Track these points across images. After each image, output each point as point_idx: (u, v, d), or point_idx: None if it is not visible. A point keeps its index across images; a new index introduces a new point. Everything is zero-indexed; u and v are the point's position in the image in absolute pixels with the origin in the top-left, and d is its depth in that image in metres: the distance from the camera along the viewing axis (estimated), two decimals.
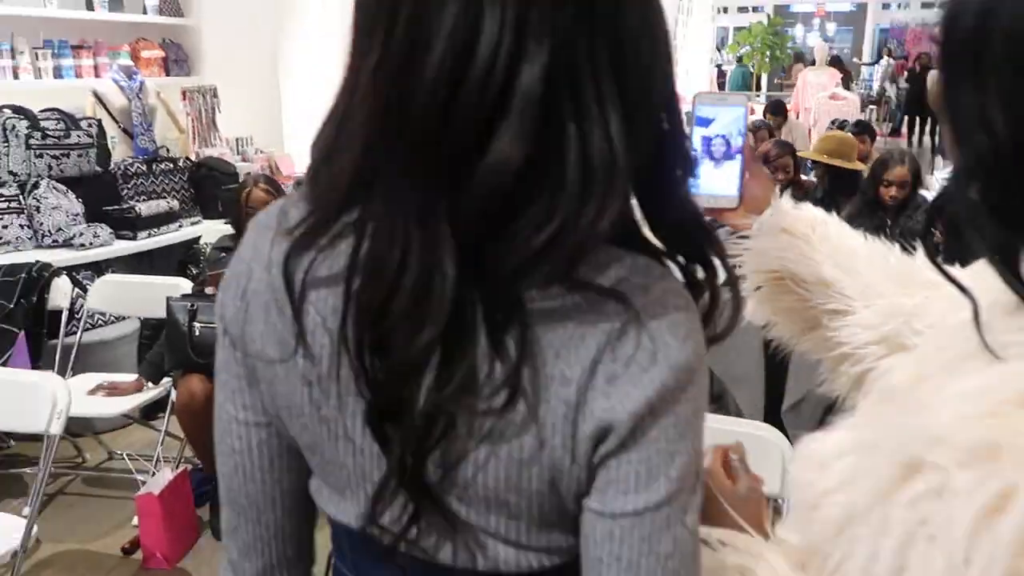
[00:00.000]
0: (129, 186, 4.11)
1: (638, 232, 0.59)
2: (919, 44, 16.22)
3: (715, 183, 1.07)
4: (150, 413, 3.18)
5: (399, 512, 0.58)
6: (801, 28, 18.72)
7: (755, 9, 17.97)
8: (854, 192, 3.72)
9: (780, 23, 16.10)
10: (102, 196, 3.86)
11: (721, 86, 12.78)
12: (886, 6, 18.69)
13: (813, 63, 10.08)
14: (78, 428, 3.09)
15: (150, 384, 2.88)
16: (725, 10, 17.27)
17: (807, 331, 1.00)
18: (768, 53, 14.74)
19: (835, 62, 10.42)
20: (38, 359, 3.08)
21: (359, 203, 0.54)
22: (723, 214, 1.07)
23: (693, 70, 10.70)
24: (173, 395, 2.81)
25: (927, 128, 12.56)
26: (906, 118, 13.21)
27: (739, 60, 14.93)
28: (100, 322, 3.44)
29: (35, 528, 2.05)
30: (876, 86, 13.59)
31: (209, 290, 2.76)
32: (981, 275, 0.54)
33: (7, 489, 2.92)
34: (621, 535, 0.55)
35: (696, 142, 1.06)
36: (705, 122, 1.07)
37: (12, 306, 2.96)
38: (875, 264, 0.93)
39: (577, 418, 0.54)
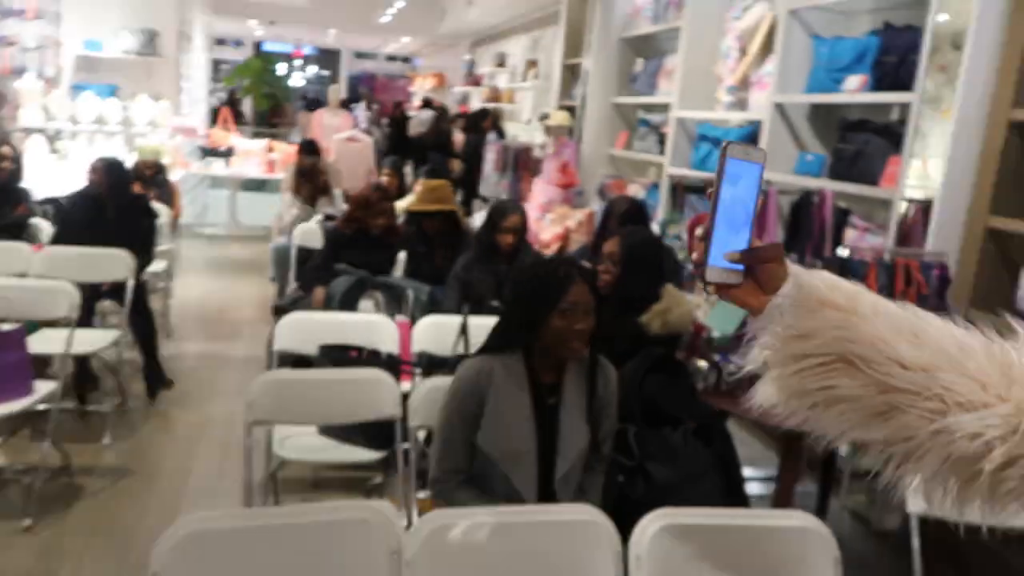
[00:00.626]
0: None
1: None
2: (386, 92, 17.61)
3: (722, 253, 0.93)
4: None
5: None
6: (285, 67, 18.83)
7: (238, 44, 17.59)
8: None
9: (271, 62, 16.15)
10: None
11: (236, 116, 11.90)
12: (359, 55, 19.87)
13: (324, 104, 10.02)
14: None
15: None
16: (221, 42, 16.59)
17: (875, 419, 0.90)
18: (263, 90, 14.66)
19: (344, 105, 10.46)
20: None
21: None
22: (729, 291, 0.95)
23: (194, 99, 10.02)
24: None
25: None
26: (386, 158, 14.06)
27: (232, 94, 14.49)
28: None
29: None
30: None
31: None
32: None
33: None
34: None
35: (720, 203, 0.92)
36: (735, 180, 0.92)
37: None
38: (974, 348, 0.87)
39: None
